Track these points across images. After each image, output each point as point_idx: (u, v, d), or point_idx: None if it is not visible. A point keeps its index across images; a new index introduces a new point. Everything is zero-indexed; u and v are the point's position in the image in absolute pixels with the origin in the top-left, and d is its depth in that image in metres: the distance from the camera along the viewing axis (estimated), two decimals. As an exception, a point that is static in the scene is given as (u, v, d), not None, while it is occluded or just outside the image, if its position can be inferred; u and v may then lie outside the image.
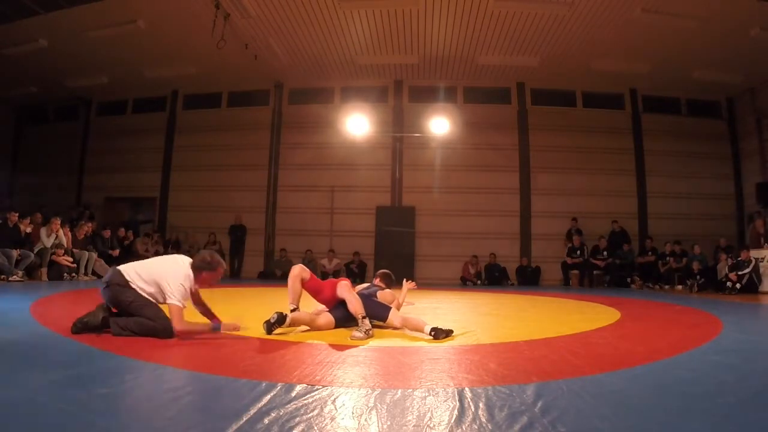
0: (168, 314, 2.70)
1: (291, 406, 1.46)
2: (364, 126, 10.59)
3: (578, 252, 10.49)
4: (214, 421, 1.33)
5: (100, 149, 12.75)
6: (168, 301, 2.72)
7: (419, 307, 4.92)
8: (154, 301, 2.79)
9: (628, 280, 10.14)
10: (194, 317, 3.05)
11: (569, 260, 10.51)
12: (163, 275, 2.78)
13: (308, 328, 3.12)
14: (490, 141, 11.55)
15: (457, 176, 11.42)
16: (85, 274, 8.10)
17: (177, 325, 2.67)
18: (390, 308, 3.39)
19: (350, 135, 10.81)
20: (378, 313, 3.33)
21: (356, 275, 10.64)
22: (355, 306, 3.11)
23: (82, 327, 2.69)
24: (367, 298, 3.40)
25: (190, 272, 2.84)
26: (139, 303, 2.74)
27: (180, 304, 2.71)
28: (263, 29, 9.36)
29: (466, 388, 1.71)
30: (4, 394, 1.49)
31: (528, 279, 10.65)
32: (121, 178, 12.43)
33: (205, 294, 3.16)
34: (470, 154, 11.53)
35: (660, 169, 11.44)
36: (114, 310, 2.83)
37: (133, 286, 2.78)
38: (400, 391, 1.67)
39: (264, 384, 1.69)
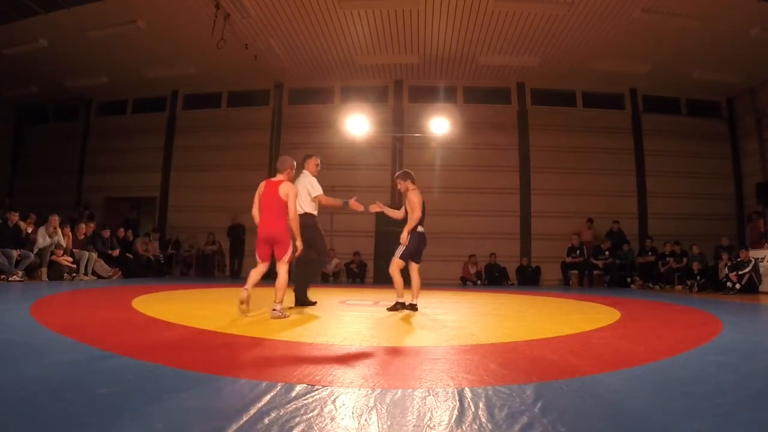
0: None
1: (291, 406, 1.46)
2: (364, 126, 10.59)
3: (577, 252, 10.49)
4: (214, 421, 1.33)
5: (100, 149, 12.75)
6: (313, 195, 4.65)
7: (419, 306, 4.92)
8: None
9: (628, 280, 10.15)
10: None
11: (568, 260, 10.51)
12: (305, 192, 4.57)
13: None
14: (490, 141, 11.55)
15: (457, 176, 11.42)
16: (85, 274, 8.10)
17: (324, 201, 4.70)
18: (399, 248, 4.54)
19: (350, 135, 10.80)
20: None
21: (356, 275, 10.65)
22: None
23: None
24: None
25: (309, 178, 4.69)
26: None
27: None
28: (263, 29, 9.36)
29: (466, 388, 1.70)
30: (4, 394, 1.49)
31: (528, 279, 10.66)
32: (121, 178, 12.44)
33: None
34: (470, 154, 11.53)
35: (660, 169, 11.44)
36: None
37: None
38: (400, 391, 1.67)
39: (264, 384, 1.69)
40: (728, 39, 8.89)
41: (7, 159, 13.30)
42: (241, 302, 3.69)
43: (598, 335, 3.20)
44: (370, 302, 5.42)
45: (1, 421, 1.27)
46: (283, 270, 3.80)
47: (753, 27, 8.47)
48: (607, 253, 10.42)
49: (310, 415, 1.39)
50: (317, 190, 4.68)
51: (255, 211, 4.01)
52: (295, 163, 4.17)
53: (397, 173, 4.86)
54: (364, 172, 11.55)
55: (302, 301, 4.69)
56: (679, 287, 9.56)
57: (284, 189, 3.83)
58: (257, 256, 3.87)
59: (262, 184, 3.96)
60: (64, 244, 7.90)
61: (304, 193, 4.56)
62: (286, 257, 3.81)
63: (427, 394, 1.64)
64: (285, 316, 3.67)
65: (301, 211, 4.35)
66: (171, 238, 11.71)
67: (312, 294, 4.87)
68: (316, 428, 1.30)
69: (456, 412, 1.45)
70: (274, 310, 3.67)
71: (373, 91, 11.95)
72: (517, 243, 11.27)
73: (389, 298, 5.49)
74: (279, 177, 3.98)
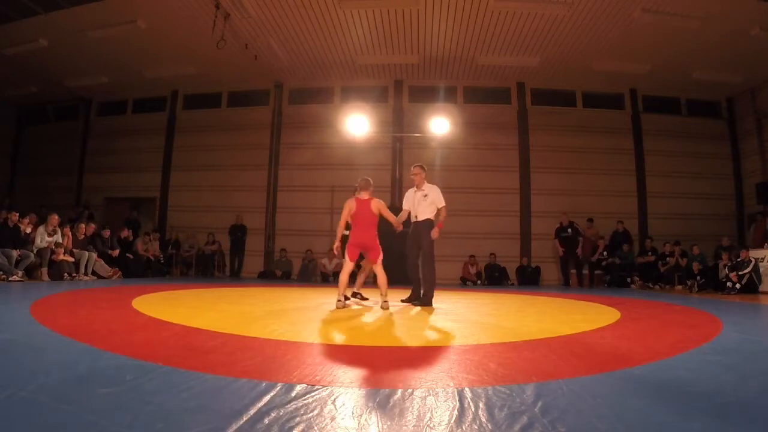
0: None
1: (291, 406, 1.46)
2: (364, 126, 10.59)
3: (568, 230, 10.39)
4: (214, 421, 1.33)
5: (100, 149, 12.77)
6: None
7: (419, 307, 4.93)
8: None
9: (628, 280, 10.14)
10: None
11: (561, 251, 10.43)
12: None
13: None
14: (490, 141, 11.56)
15: (457, 176, 11.42)
16: (85, 274, 8.10)
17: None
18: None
19: (350, 135, 10.80)
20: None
21: (357, 275, 10.64)
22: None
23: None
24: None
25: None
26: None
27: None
28: (263, 29, 9.36)
29: (466, 388, 1.70)
30: (4, 394, 1.49)
31: (528, 279, 10.65)
32: (121, 178, 12.45)
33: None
34: (470, 154, 11.53)
35: (660, 169, 11.45)
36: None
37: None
38: (400, 391, 1.66)
39: (264, 384, 1.69)
40: (728, 39, 8.89)
41: (7, 159, 13.31)
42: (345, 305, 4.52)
43: (598, 335, 3.20)
44: (371, 302, 5.43)
45: (1, 421, 1.27)
46: (379, 270, 4.60)
47: (753, 27, 8.48)
48: (605, 253, 10.39)
49: (310, 415, 1.39)
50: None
51: (342, 224, 4.75)
52: (371, 182, 4.83)
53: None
54: (364, 172, 11.43)
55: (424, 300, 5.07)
56: (679, 287, 9.56)
57: (375, 205, 4.67)
58: (348, 257, 4.64)
59: (352, 202, 4.69)
60: (63, 243, 7.89)
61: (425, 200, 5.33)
62: (379, 260, 4.62)
63: (427, 394, 1.64)
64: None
65: (422, 217, 5.26)
66: (171, 238, 11.71)
67: (313, 294, 4.89)
68: (316, 428, 1.30)
69: (456, 412, 1.45)
70: (384, 301, 4.51)
71: (373, 91, 11.95)
72: (517, 243, 11.27)
73: (390, 297, 5.49)
74: (364, 195, 4.71)
